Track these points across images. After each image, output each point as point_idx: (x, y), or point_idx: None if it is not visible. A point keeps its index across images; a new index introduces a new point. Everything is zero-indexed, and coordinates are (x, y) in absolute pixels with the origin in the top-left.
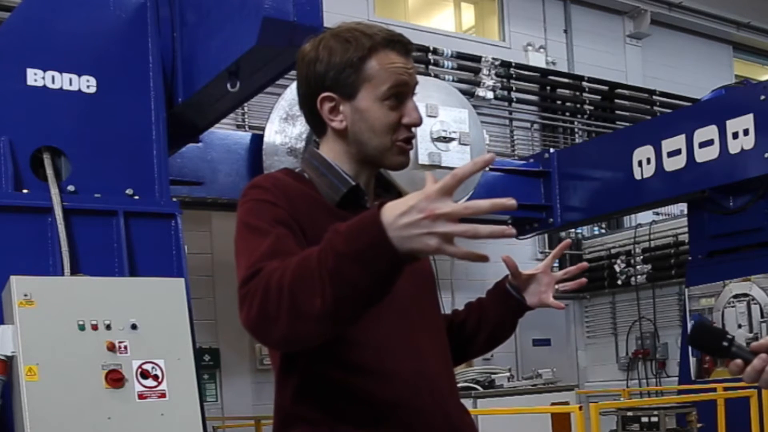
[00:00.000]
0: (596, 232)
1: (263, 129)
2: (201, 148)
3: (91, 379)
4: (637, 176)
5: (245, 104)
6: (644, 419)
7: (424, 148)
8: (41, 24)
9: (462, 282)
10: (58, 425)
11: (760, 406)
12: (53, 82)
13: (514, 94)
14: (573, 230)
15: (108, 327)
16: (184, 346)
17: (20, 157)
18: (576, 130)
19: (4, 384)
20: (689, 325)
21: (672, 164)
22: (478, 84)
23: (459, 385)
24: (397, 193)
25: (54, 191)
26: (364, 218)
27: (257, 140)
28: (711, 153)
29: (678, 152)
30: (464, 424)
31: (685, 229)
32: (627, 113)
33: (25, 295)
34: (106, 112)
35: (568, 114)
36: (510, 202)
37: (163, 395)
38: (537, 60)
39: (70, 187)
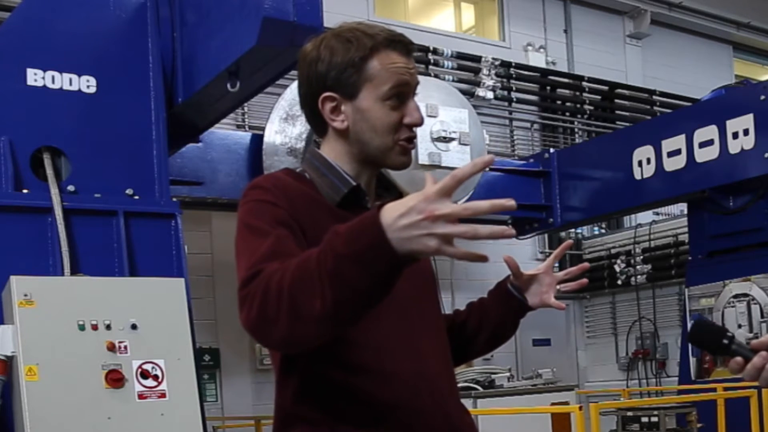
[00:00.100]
0: (596, 232)
1: (263, 129)
2: (201, 148)
3: (91, 379)
4: (637, 176)
5: (245, 104)
6: (644, 419)
7: (424, 148)
8: (41, 24)
9: (462, 282)
10: (58, 425)
11: (760, 406)
12: (53, 82)
13: (514, 94)
14: (573, 230)
15: (108, 327)
16: (184, 346)
17: (20, 157)
18: (576, 130)
19: (4, 384)
20: (689, 325)
21: (672, 164)
22: (478, 84)
23: (459, 385)
24: (398, 193)
25: (54, 191)
26: (363, 219)
27: (257, 140)
28: (711, 153)
29: (678, 152)
30: (464, 425)
31: (685, 229)
32: (627, 113)
33: (25, 295)
34: (106, 112)
35: (568, 114)
36: (509, 203)
37: (163, 395)
38: (537, 60)
39: (70, 187)
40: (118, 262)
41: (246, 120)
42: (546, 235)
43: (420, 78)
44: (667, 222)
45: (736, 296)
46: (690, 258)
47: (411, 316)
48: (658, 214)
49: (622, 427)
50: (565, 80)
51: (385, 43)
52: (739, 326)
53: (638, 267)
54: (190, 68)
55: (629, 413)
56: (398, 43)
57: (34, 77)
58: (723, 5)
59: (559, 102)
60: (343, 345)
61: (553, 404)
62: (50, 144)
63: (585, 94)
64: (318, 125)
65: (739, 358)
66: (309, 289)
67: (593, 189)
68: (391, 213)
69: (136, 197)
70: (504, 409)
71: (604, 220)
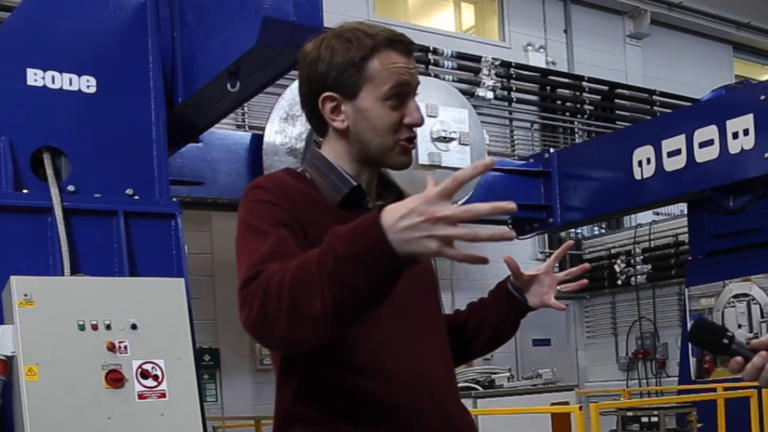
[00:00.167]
0: (596, 232)
1: (263, 129)
2: (201, 148)
3: (91, 379)
4: (637, 176)
5: (245, 104)
6: (644, 419)
7: (424, 148)
8: (41, 24)
9: (462, 282)
10: (58, 425)
11: (760, 406)
12: (53, 82)
13: (514, 94)
14: (573, 230)
15: (108, 327)
16: (184, 346)
17: (20, 157)
18: (576, 130)
19: (4, 384)
20: (689, 325)
21: (672, 164)
22: (478, 84)
23: (459, 385)
24: (398, 193)
25: (54, 191)
26: (364, 221)
27: (257, 140)
28: (711, 153)
29: (678, 152)
30: (464, 425)
31: (685, 229)
32: (627, 113)
33: (25, 295)
34: (106, 112)
35: (568, 114)
36: (510, 205)
37: (163, 395)
38: (537, 60)
39: (70, 187)
40: (118, 262)
41: (246, 120)
42: (546, 235)
43: (420, 78)
44: (667, 222)
45: (736, 296)
46: (690, 258)
47: (411, 317)
48: (658, 214)
49: (622, 427)
50: (565, 80)
51: (386, 43)
52: (739, 326)
53: (638, 267)
54: (190, 68)
55: (629, 413)
56: (399, 43)
57: (34, 77)
58: (723, 5)
59: (559, 102)
60: (344, 345)
61: (553, 404)
62: (50, 144)
63: (585, 94)
64: (318, 125)
65: (739, 358)
66: (309, 290)
67: (593, 189)
68: (391, 215)
69: (136, 197)
70: (504, 409)
71: (604, 220)
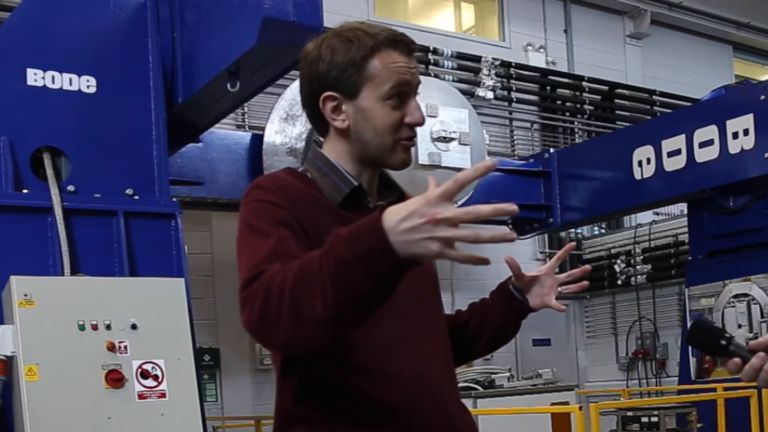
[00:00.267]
0: (596, 232)
1: (263, 129)
2: (201, 148)
3: (91, 379)
4: (637, 176)
5: (245, 104)
6: (644, 419)
7: (424, 148)
8: (41, 24)
9: (462, 282)
10: (58, 425)
11: (760, 406)
12: (53, 82)
13: (514, 94)
14: (573, 230)
15: (108, 327)
16: (184, 346)
17: (20, 157)
18: (576, 130)
19: (4, 384)
20: (689, 325)
21: (672, 164)
22: (478, 84)
23: (459, 385)
24: (400, 193)
25: (54, 191)
26: (365, 223)
27: (257, 140)
28: (711, 153)
29: (678, 152)
30: (465, 425)
31: (685, 229)
32: (627, 113)
33: (25, 295)
34: (106, 112)
35: (568, 114)
36: (512, 207)
37: (163, 395)
38: (537, 60)
39: (70, 187)
40: (118, 262)
41: (246, 120)
42: (546, 235)
43: (420, 78)
44: (667, 222)
45: (736, 296)
46: (690, 258)
47: (412, 318)
48: (658, 214)
49: (622, 427)
50: (565, 80)
51: (387, 43)
52: (739, 326)
53: (638, 267)
54: (190, 68)
55: (629, 413)
56: (399, 42)
57: (34, 77)
58: (723, 5)
59: (559, 102)
60: (344, 346)
61: (553, 404)
62: (50, 144)
63: (585, 94)
64: (319, 125)
65: (737, 359)
66: (311, 291)
67: (593, 189)
68: (393, 216)
69: (136, 197)
70: (504, 409)
71: (604, 220)
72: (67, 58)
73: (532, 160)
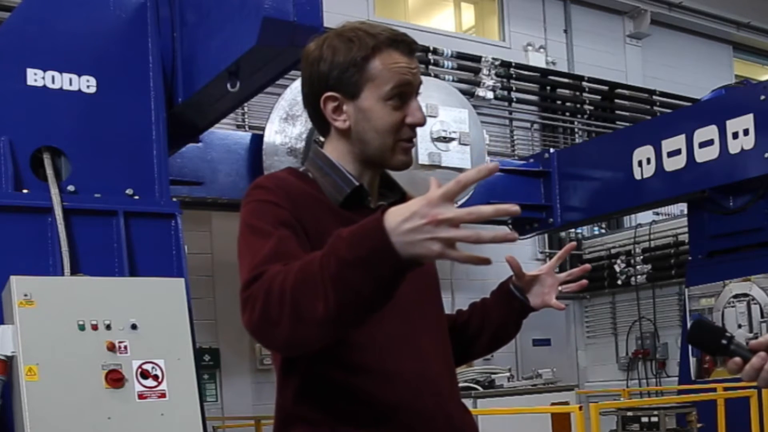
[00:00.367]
0: (596, 232)
1: (263, 129)
2: (201, 148)
3: (91, 379)
4: (637, 176)
5: (245, 104)
6: (644, 419)
7: (424, 148)
8: (41, 24)
9: (462, 282)
10: (58, 425)
11: (760, 406)
12: (53, 82)
13: (514, 94)
14: (573, 230)
15: (108, 327)
16: (184, 346)
17: (20, 157)
18: (576, 130)
19: (4, 384)
20: (689, 325)
21: (672, 164)
22: (478, 84)
23: (459, 385)
24: (401, 194)
25: (54, 191)
26: (367, 223)
27: (257, 140)
28: (711, 153)
29: (678, 152)
30: (466, 425)
31: (685, 229)
32: (627, 113)
33: (25, 295)
34: (106, 112)
35: (568, 114)
36: (513, 208)
37: (163, 395)
38: (537, 60)
39: (70, 187)
40: (118, 262)
41: (246, 120)
42: (546, 235)
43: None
44: (667, 222)
45: (736, 296)
46: (690, 258)
47: (413, 318)
48: (658, 214)
49: (622, 427)
50: (565, 80)
51: (388, 43)
52: (739, 326)
53: (638, 267)
54: (190, 68)
55: (629, 413)
56: (401, 42)
57: (34, 77)
58: (723, 5)
59: (559, 102)
60: (345, 346)
61: (553, 404)
62: (50, 144)
63: (585, 94)
64: (321, 125)
65: (737, 359)
66: (312, 292)
67: (593, 189)
68: (394, 217)
69: (136, 197)
70: (504, 409)
71: (604, 220)
72: (67, 58)
73: (532, 160)
